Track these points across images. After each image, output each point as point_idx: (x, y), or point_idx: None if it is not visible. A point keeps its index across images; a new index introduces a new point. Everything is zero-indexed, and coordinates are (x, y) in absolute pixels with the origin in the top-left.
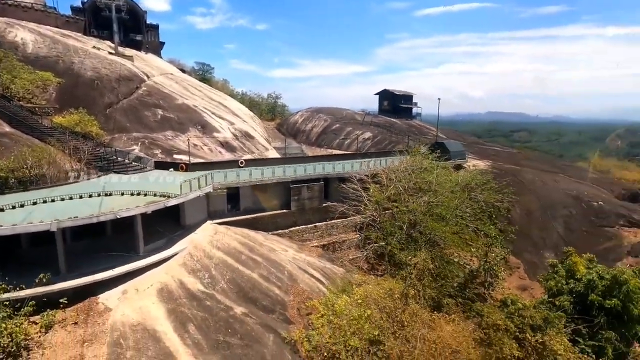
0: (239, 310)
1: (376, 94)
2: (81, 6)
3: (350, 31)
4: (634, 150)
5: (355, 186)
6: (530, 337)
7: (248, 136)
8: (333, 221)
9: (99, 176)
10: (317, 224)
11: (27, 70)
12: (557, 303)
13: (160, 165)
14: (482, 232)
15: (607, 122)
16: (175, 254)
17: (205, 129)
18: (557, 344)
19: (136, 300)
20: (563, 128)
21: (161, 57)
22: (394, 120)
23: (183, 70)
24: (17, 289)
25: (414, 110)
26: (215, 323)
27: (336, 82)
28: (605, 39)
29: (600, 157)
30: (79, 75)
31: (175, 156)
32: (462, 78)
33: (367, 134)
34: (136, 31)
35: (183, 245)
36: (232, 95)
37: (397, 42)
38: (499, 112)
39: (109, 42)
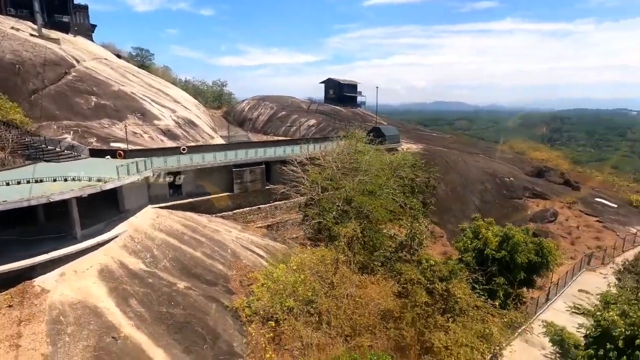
0: (182, 285)
1: (321, 83)
2: None
3: (300, 19)
4: (555, 135)
5: (295, 168)
6: (438, 286)
7: (192, 124)
8: (276, 203)
9: (27, 165)
10: (260, 205)
11: None
12: (463, 259)
13: (95, 153)
14: (408, 206)
15: (535, 110)
16: (115, 237)
17: (145, 116)
18: (458, 290)
19: (75, 281)
20: (498, 116)
21: (93, 41)
22: (339, 108)
23: (119, 56)
24: None
25: (359, 98)
26: (158, 297)
27: (288, 71)
28: (535, 34)
29: (524, 140)
30: None
31: (112, 144)
32: (408, 69)
33: (312, 121)
34: (62, 12)
35: (123, 228)
36: (174, 82)
37: (346, 32)
38: (443, 101)
39: (30, 23)
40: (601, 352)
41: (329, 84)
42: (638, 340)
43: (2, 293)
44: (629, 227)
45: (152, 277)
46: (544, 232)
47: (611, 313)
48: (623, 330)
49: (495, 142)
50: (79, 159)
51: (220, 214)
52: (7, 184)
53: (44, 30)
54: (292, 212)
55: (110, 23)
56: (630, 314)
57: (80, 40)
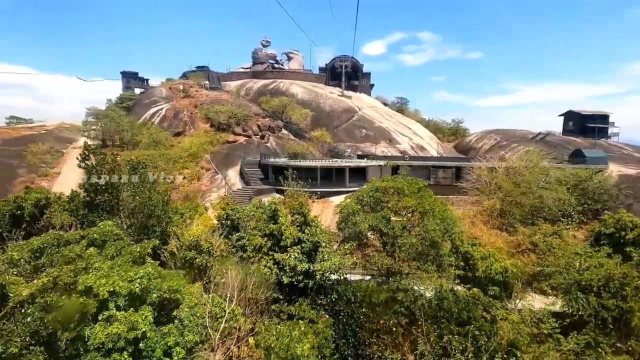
0: None
1: (560, 116)
2: (324, 67)
3: (582, 48)
4: None
5: (475, 172)
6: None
7: (422, 149)
8: (461, 196)
9: (332, 159)
10: (449, 196)
11: (298, 108)
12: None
13: (359, 157)
14: (566, 203)
15: None
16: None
17: (391, 142)
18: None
19: (342, 200)
20: None
21: (370, 95)
22: (573, 138)
23: (385, 104)
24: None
25: (610, 130)
26: None
27: (560, 108)
28: None
29: None
30: (322, 110)
31: (368, 154)
32: None
33: (526, 149)
34: (355, 79)
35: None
36: (419, 121)
37: None
38: None
39: (338, 88)
40: None
41: (569, 116)
42: None
43: (320, 200)
44: None
45: None
46: None
47: None
48: None
49: None
50: (352, 159)
51: None
52: (326, 162)
53: (345, 92)
54: (474, 205)
55: (387, 77)
56: None
57: (363, 95)
